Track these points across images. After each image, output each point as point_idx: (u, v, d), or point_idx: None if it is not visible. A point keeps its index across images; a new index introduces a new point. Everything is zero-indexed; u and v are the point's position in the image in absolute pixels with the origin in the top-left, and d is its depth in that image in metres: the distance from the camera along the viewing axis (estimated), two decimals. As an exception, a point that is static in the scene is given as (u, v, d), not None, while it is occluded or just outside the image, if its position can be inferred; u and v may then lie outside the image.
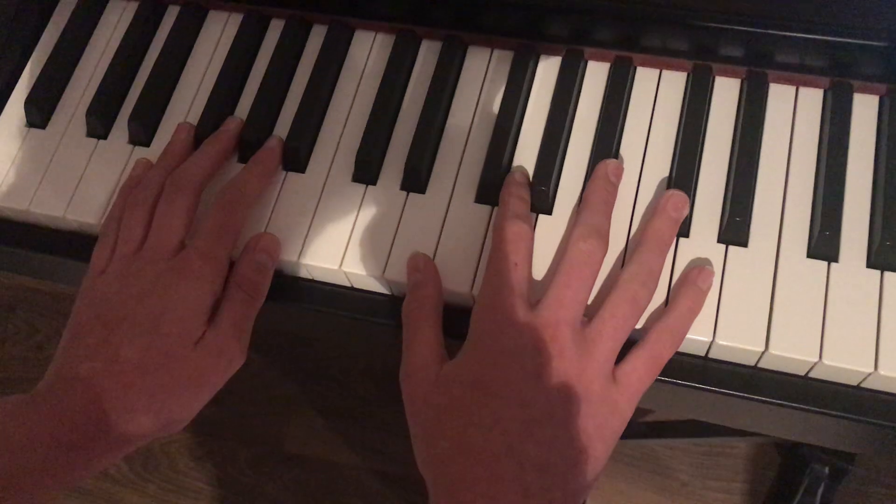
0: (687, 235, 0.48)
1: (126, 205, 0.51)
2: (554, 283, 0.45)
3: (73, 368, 0.46)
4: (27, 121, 0.57)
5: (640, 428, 1.13)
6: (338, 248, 0.50)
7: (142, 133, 0.56)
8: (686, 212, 0.48)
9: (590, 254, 0.45)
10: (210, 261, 0.49)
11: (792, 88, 0.51)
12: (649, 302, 0.45)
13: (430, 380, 0.45)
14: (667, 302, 0.46)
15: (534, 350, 0.43)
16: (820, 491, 1.07)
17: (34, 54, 0.60)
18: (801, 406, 0.46)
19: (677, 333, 0.45)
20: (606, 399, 0.43)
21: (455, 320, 0.48)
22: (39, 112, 0.57)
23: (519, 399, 0.42)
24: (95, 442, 0.45)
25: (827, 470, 1.07)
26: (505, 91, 0.53)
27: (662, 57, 0.52)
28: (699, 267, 0.47)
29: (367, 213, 0.51)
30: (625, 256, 0.48)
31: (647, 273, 0.45)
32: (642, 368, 0.44)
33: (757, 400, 0.46)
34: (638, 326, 0.46)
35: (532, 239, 0.47)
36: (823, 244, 0.46)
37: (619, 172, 0.49)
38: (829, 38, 0.49)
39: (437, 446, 0.43)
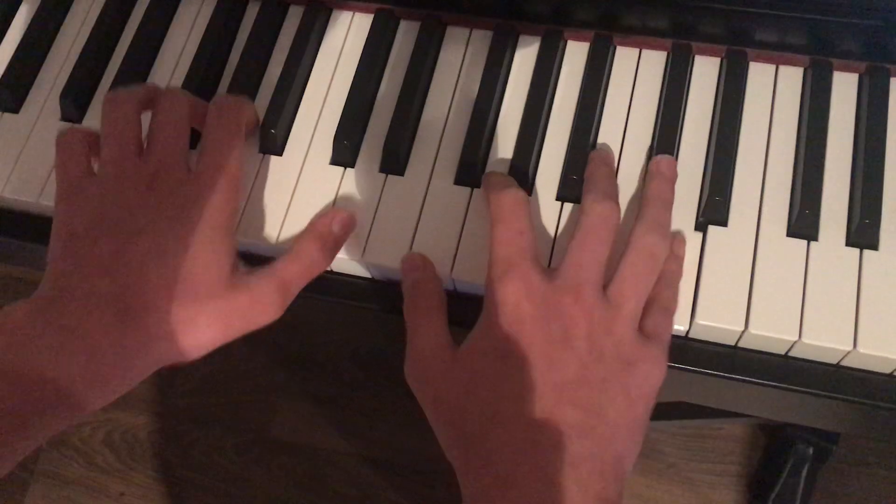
0: (666, 215, 0.48)
1: (108, 103, 0.47)
2: (571, 247, 0.44)
3: (87, 283, 0.42)
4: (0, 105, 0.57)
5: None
6: (316, 231, 0.50)
7: (117, 117, 0.55)
8: (677, 173, 0.48)
9: (605, 216, 0.44)
10: (228, 176, 0.46)
11: (772, 67, 0.51)
12: (666, 254, 0.45)
13: (446, 360, 0.43)
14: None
15: (558, 314, 0.42)
16: (804, 471, 1.08)
17: (6, 36, 0.59)
18: (782, 385, 0.46)
19: (674, 290, 0.45)
20: (642, 355, 0.42)
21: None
22: (12, 96, 0.56)
23: (548, 363, 0.41)
24: (110, 370, 0.41)
25: (811, 450, 1.08)
26: (484, 71, 0.52)
27: (642, 36, 0.52)
28: (681, 238, 0.47)
29: (346, 196, 0.51)
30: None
31: (659, 226, 0.45)
32: (662, 321, 0.44)
33: (737, 379, 0.46)
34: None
35: (529, 204, 0.45)
36: (803, 223, 0.46)
37: (612, 158, 0.49)
38: (809, 16, 0.49)
39: (465, 425, 0.41)
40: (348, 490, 1.20)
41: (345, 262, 0.50)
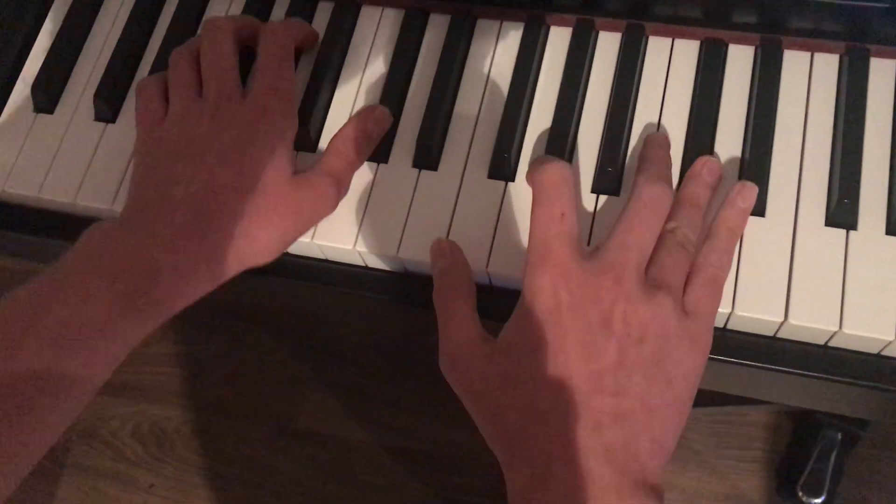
0: (703, 206, 0.48)
1: (170, 63, 0.52)
2: (617, 227, 0.43)
3: (165, 193, 0.46)
4: (35, 106, 0.57)
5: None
6: (351, 227, 0.50)
7: (150, 116, 0.55)
8: (720, 176, 0.47)
9: (657, 198, 0.43)
10: (281, 95, 0.50)
11: (807, 55, 0.50)
12: (694, 248, 0.44)
13: (481, 354, 0.43)
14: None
15: (596, 298, 0.41)
16: (833, 456, 1.07)
17: (39, 37, 0.59)
18: (821, 375, 0.46)
19: (725, 253, 0.44)
20: (684, 334, 0.41)
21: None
22: (46, 97, 0.56)
23: (585, 353, 0.40)
24: (192, 272, 0.45)
25: (840, 436, 1.07)
26: (515, 64, 0.52)
27: (674, 25, 0.52)
28: (741, 184, 0.46)
29: (380, 192, 0.51)
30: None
31: (690, 223, 0.44)
32: (706, 295, 0.43)
33: (777, 370, 0.46)
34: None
35: (575, 184, 0.44)
36: (842, 212, 0.46)
37: (668, 142, 0.49)
38: (843, 2, 0.48)
39: (505, 420, 0.41)
40: (374, 479, 1.21)
41: (379, 258, 0.50)
